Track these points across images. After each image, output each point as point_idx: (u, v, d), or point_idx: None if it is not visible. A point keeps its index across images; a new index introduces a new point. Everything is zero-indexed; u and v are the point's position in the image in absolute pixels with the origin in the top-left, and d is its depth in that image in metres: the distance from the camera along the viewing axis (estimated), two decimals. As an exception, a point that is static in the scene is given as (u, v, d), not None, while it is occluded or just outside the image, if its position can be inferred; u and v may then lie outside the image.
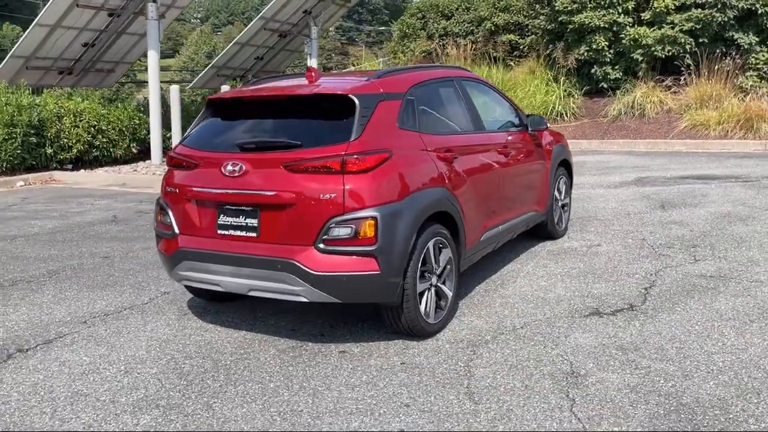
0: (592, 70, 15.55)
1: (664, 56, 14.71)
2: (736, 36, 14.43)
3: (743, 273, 5.14)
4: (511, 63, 17.58)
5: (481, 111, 5.16)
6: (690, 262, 5.48)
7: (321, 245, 3.68)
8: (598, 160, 12.21)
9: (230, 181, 3.88)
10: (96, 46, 14.13)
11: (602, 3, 15.09)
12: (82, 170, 12.32)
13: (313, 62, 17.63)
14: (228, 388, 3.51)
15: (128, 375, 3.71)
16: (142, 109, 14.01)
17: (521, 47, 17.87)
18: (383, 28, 63.25)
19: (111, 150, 12.92)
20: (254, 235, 3.86)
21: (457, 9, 20.06)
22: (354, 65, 25.33)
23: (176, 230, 4.17)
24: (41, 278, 5.65)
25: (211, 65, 17.97)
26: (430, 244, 4.02)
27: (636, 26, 14.98)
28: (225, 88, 13.63)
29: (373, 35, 65.29)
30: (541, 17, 16.55)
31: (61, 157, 12.24)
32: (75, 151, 12.30)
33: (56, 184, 11.55)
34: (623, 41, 15.05)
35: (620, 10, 15.02)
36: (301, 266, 3.68)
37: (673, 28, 14.55)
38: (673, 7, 14.64)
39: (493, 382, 3.48)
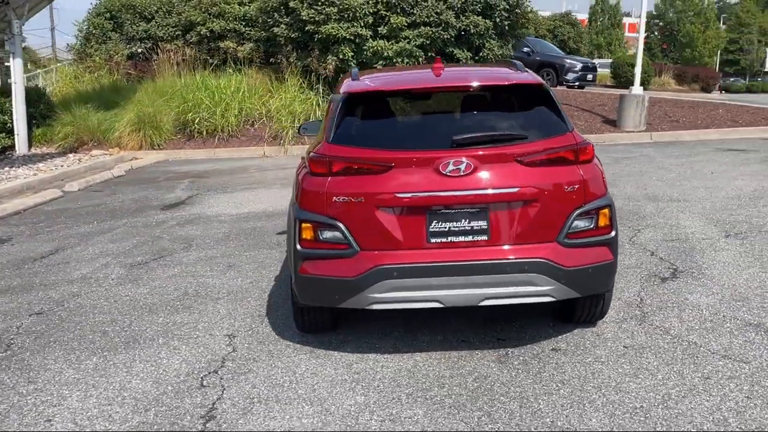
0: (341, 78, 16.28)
1: (403, 67, 16.24)
2: (455, 51, 16.71)
3: (688, 234, 6.28)
4: (229, 70, 17.15)
5: None
6: (636, 232, 6.43)
7: (565, 240, 3.51)
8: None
9: (452, 182, 3.41)
10: None
11: (346, 16, 15.94)
12: None
13: (17, 62, 14.64)
14: (533, 405, 3.16)
15: (398, 423, 3.03)
16: None
17: (237, 54, 17.50)
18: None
19: None
20: (484, 238, 3.47)
21: (157, 11, 18.78)
22: (41, 67, 21.48)
23: (356, 247, 3.47)
24: (21, 342, 3.98)
25: None
26: None
27: (377, 39, 16.22)
28: None
29: None
30: (282, 26, 16.68)
31: None
32: None
33: None
34: (366, 53, 16.14)
35: (362, 24, 16.07)
36: (554, 264, 3.45)
37: (409, 42, 16.17)
38: (405, 24, 16.25)
39: (723, 345, 3.78)
